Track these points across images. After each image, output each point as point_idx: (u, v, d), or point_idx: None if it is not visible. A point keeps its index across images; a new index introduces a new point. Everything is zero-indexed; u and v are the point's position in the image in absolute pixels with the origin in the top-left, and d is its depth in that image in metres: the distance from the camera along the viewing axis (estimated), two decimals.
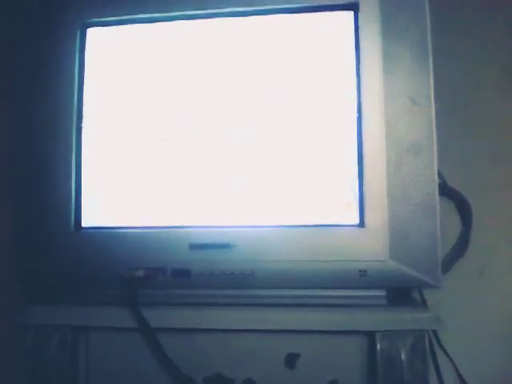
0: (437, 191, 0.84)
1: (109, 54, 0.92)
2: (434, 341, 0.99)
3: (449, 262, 1.04)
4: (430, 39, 0.86)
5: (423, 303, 0.97)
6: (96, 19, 0.92)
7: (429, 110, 0.85)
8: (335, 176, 0.86)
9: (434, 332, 0.98)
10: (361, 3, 0.87)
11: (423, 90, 0.85)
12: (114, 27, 0.92)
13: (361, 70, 0.86)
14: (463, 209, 1.06)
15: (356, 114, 0.86)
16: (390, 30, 0.86)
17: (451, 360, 1.02)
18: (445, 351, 1.01)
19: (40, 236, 0.88)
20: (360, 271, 0.83)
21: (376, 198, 0.84)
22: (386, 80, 0.85)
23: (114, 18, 0.92)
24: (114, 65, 0.92)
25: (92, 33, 0.92)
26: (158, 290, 0.86)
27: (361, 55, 0.86)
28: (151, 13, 0.91)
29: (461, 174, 1.06)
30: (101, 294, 0.87)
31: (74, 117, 0.90)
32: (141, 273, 0.84)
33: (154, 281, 0.85)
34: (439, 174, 0.99)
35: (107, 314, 0.85)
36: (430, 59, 0.85)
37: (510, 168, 1.08)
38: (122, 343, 0.87)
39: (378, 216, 0.83)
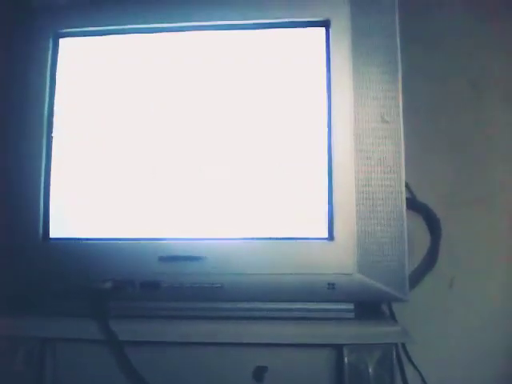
0: (404, 205, 0.85)
1: (81, 64, 0.92)
2: (403, 354, 1.00)
3: (418, 276, 1.06)
4: (399, 57, 0.87)
5: (392, 317, 0.99)
6: (69, 29, 0.92)
7: (397, 126, 0.86)
8: (305, 190, 0.87)
9: (403, 345, 0.99)
10: (332, 20, 0.88)
11: (392, 106, 0.87)
12: (86, 38, 0.92)
13: (331, 86, 0.87)
14: (432, 223, 1.08)
15: (326, 129, 0.87)
16: (361, 47, 0.88)
17: (419, 373, 1.03)
18: (413, 364, 1.02)
19: (7, 247, 0.87)
20: (328, 284, 0.84)
21: (345, 212, 0.85)
22: (356, 96, 0.86)
23: (87, 29, 0.92)
24: (86, 75, 0.92)
25: (64, 43, 0.92)
26: (127, 302, 0.86)
27: (331, 71, 0.88)
28: (123, 24, 0.91)
29: (430, 188, 1.08)
30: (69, 306, 0.86)
31: (44, 127, 0.90)
32: (109, 285, 0.84)
33: (122, 293, 0.84)
34: (408, 189, 1.01)
35: (75, 325, 0.84)
36: (399, 76, 0.87)
37: (478, 182, 1.10)
38: (89, 356, 0.85)
39: (346, 230, 0.84)
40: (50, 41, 0.92)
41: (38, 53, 0.91)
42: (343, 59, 0.87)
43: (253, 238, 0.86)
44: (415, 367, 1.02)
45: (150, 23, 0.90)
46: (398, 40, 0.88)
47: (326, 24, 0.89)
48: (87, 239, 0.88)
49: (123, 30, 0.92)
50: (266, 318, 0.85)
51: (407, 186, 0.88)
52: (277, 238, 0.86)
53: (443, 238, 1.07)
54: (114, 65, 0.92)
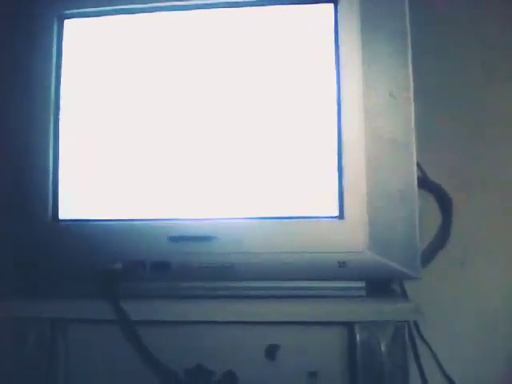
0: (415, 183, 0.84)
1: (87, 45, 0.92)
2: (415, 331, 1.00)
3: (430, 254, 1.05)
4: (409, 32, 0.86)
5: (403, 294, 0.98)
6: (73, 10, 0.91)
7: (408, 103, 0.85)
8: (315, 168, 0.86)
9: (415, 322, 0.99)
10: None
11: (402, 82, 0.85)
12: (91, 18, 0.91)
13: (340, 63, 0.86)
14: (443, 202, 1.07)
15: (335, 107, 0.86)
16: (370, 23, 0.86)
17: (431, 350, 1.03)
18: (425, 341, 1.02)
19: (17, 228, 0.87)
20: (339, 263, 0.83)
21: (355, 190, 0.84)
22: (365, 73, 0.85)
23: (91, 9, 0.91)
24: (92, 56, 0.91)
25: (69, 24, 0.91)
26: (137, 282, 0.86)
27: (340, 48, 0.86)
28: (128, 4, 0.90)
29: (442, 168, 1.07)
30: (79, 287, 0.87)
31: (52, 108, 0.89)
32: (119, 265, 0.84)
33: (132, 273, 0.84)
34: (420, 168, 1.00)
35: (86, 306, 0.85)
36: (409, 52, 0.86)
37: (491, 162, 1.09)
38: (101, 336, 0.86)
39: (357, 208, 0.84)
40: (55, 22, 0.91)
41: (43, 35, 0.90)
42: (352, 35, 0.86)
43: (263, 218, 0.86)
44: (427, 344, 1.02)
45: (156, 2, 0.89)
46: (408, 17, 0.86)
47: (334, 0, 0.87)
48: (97, 220, 0.88)
49: (128, 9, 0.91)
50: (277, 296, 0.85)
51: (418, 165, 0.87)
52: (287, 217, 0.86)
53: (454, 216, 1.07)
54: (120, 45, 0.91)
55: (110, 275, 0.84)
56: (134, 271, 0.84)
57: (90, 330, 0.87)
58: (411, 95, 0.85)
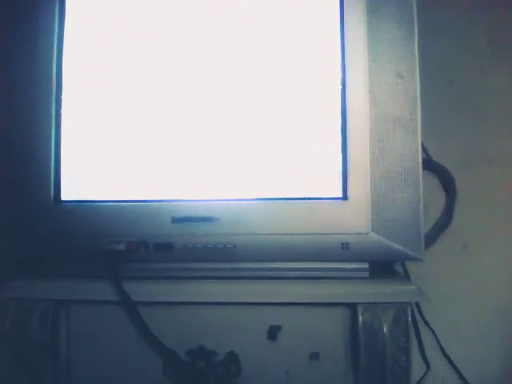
0: (420, 165, 0.84)
1: (90, 22, 0.90)
2: (417, 313, 1.00)
3: (432, 236, 1.05)
4: (415, 11, 0.85)
5: (406, 276, 0.98)
6: None
7: (413, 83, 0.84)
8: (318, 149, 0.85)
9: (417, 304, 0.99)
10: None
11: (408, 63, 0.85)
12: None
13: (345, 42, 0.85)
14: (447, 183, 1.06)
15: (340, 87, 0.85)
16: (375, 3, 0.85)
17: (433, 332, 1.03)
18: (427, 324, 1.02)
19: (20, 210, 0.87)
20: (342, 244, 0.83)
21: (359, 171, 0.83)
22: (370, 53, 0.84)
23: None
24: (96, 34, 0.90)
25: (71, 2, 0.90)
26: (140, 263, 0.86)
27: (345, 27, 0.85)
28: None
29: (446, 149, 1.06)
30: (82, 268, 0.87)
31: (54, 90, 0.88)
32: (122, 246, 0.83)
33: (135, 254, 0.84)
34: (424, 149, 0.99)
35: (88, 287, 0.85)
36: (415, 32, 0.85)
37: (495, 143, 1.08)
38: (103, 317, 0.86)
39: (360, 189, 0.83)
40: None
41: (44, 12, 0.89)
42: (357, 14, 0.85)
43: (266, 199, 0.85)
44: (429, 327, 1.02)
45: None
46: None
47: None
48: (99, 201, 0.87)
49: None
50: (279, 277, 0.85)
51: (422, 146, 0.86)
52: (290, 198, 0.85)
53: (458, 198, 1.06)
54: (122, 18, 0.89)
55: (112, 256, 0.83)
56: (136, 252, 0.84)
57: (93, 310, 0.87)
58: (417, 75, 0.84)
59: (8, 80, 0.89)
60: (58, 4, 0.89)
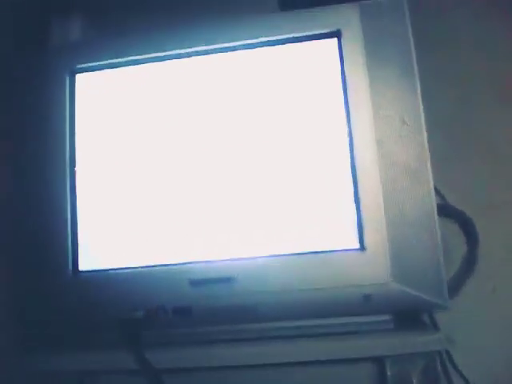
0: (435, 209, 0.83)
1: (99, 98, 0.93)
2: (448, 362, 0.96)
3: (458, 282, 1.02)
4: (415, 58, 0.86)
5: (434, 325, 0.95)
6: (84, 65, 0.93)
7: (419, 128, 0.85)
8: (331, 201, 0.85)
9: (447, 353, 0.95)
10: (343, 30, 0.88)
11: (412, 109, 0.85)
12: (102, 71, 0.94)
13: (348, 95, 0.86)
14: (467, 227, 1.04)
15: (347, 138, 0.86)
16: (375, 53, 0.87)
17: (466, 380, 0.98)
18: (458, 370, 0.98)
19: (39, 283, 0.87)
20: (364, 296, 0.81)
21: (374, 220, 0.83)
22: (374, 102, 0.85)
23: (102, 63, 0.93)
24: (105, 108, 0.93)
25: (81, 78, 0.94)
26: (160, 329, 0.85)
27: (347, 80, 0.87)
28: (136, 55, 0.92)
29: (461, 192, 1.05)
30: (102, 338, 0.86)
31: (67, 161, 0.90)
32: (141, 313, 0.83)
33: (155, 320, 0.83)
34: (439, 195, 0.99)
35: (110, 357, 0.84)
36: (417, 77, 0.86)
37: (508, 183, 1.06)
38: None
39: (377, 238, 0.82)
40: (67, 77, 0.93)
41: (55, 90, 0.93)
42: (358, 67, 0.87)
43: (282, 255, 0.85)
44: (461, 374, 0.98)
45: (162, 51, 0.91)
46: (412, 43, 0.87)
47: (337, 34, 0.88)
48: (115, 269, 0.88)
49: (136, 60, 0.93)
50: (302, 335, 0.83)
51: (437, 190, 0.85)
52: (307, 253, 0.84)
53: (481, 241, 1.04)
54: (131, 95, 0.93)
55: (131, 324, 0.83)
56: (155, 318, 0.83)
57: (117, 380, 0.86)
58: (422, 120, 0.85)
59: (23, 153, 0.92)
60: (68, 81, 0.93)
